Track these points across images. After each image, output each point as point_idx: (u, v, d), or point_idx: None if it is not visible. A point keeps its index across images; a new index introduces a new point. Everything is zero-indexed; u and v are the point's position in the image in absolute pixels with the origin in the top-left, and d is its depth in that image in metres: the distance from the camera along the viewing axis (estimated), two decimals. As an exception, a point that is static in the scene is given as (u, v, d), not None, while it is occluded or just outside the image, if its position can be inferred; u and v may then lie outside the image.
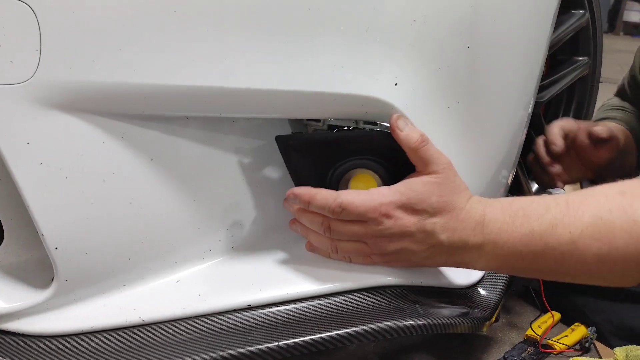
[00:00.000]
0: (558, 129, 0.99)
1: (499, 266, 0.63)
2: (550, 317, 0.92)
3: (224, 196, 0.65)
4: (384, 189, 0.61)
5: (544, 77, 1.12)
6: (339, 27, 0.57)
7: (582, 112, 1.21)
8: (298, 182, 0.67)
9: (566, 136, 0.99)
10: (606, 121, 1.16)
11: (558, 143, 0.96)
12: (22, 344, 0.57)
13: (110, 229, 0.59)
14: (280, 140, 0.65)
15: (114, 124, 0.57)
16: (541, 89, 1.08)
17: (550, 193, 0.85)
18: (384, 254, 0.63)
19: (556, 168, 0.99)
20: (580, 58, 1.17)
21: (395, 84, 0.59)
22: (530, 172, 1.07)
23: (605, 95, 1.30)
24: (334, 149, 0.65)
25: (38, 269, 0.62)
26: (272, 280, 0.65)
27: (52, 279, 0.59)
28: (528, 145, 1.11)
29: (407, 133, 0.61)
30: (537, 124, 1.10)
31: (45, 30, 0.52)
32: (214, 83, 0.55)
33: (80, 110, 0.55)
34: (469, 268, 0.65)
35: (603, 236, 0.56)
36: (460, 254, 0.62)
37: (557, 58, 1.17)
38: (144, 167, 0.59)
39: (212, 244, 0.66)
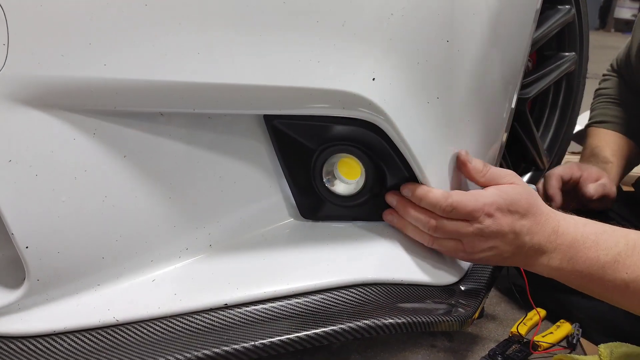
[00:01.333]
0: (556, 181, 1.02)
1: (559, 275, 0.68)
2: (536, 314, 0.91)
3: (201, 194, 0.64)
4: (484, 192, 0.67)
5: (530, 72, 1.12)
6: (314, 21, 0.56)
7: (569, 107, 1.21)
8: (284, 162, 0.68)
9: (564, 184, 1.03)
10: (602, 126, 1.17)
11: (557, 200, 1.01)
12: (-8, 345, 0.56)
13: (83, 228, 0.58)
14: (268, 119, 0.64)
15: (85, 120, 0.56)
16: (527, 84, 1.07)
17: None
18: (473, 252, 0.67)
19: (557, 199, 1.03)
20: (567, 54, 1.17)
21: (373, 79, 0.58)
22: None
23: (593, 92, 1.29)
24: (320, 132, 0.66)
25: (10, 269, 0.61)
26: (250, 279, 0.64)
27: (24, 279, 0.58)
28: (514, 140, 1.11)
29: (474, 165, 0.68)
30: (523, 120, 1.09)
31: (13, 24, 0.51)
32: (186, 78, 0.54)
33: (50, 105, 0.54)
34: (534, 271, 0.69)
35: None
36: (534, 257, 0.67)
37: (543, 53, 1.17)
38: (117, 163, 0.58)
39: (189, 242, 0.65)
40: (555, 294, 0.93)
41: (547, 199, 1.02)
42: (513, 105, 0.77)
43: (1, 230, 0.58)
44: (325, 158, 0.68)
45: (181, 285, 0.62)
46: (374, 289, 0.66)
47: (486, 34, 0.65)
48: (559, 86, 1.20)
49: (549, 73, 1.13)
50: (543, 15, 1.08)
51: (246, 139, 0.66)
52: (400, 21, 0.58)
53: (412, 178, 0.67)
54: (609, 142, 1.15)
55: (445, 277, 0.71)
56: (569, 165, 1.05)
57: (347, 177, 0.69)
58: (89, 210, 0.58)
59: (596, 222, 0.68)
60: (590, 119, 1.24)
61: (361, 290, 0.65)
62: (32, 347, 0.56)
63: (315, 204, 0.71)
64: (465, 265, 0.75)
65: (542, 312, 0.94)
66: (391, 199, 0.69)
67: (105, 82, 0.54)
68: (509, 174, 0.68)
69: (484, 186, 0.69)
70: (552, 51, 1.17)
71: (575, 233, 0.66)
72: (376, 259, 0.68)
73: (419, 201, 0.66)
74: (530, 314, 0.93)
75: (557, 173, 1.02)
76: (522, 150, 1.15)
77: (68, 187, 0.56)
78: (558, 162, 1.26)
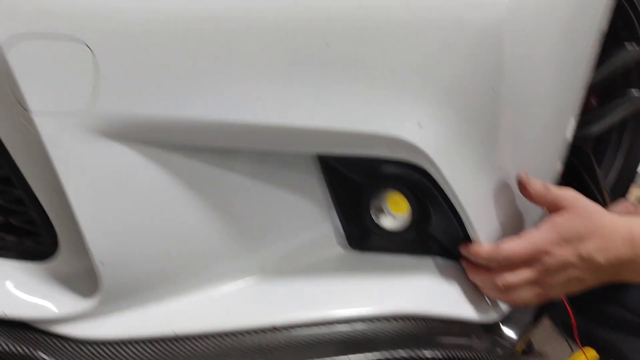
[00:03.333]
0: None
1: None
2: (583, 355, 0.91)
3: (255, 221, 0.70)
4: (534, 231, 0.67)
5: (593, 110, 1.11)
6: (365, 67, 0.60)
7: (634, 147, 1.19)
8: (334, 195, 0.72)
9: None
10: None
11: None
12: (68, 347, 0.64)
13: (150, 247, 0.65)
14: (322, 159, 0.69)
15: (156, 152, 0.63)
16: (589, 122, 1.07)
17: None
18: (552, 291, 0.68)
19: None
20: (634, 92, 1.15)
21: (420, 125, 0.62)
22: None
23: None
24: (369, 169, 0.70)
25: (87, 278, 0.69)
26: (297, 303, 0.68)
27: (97, 289, 0.65)
28: (576, 179, 1.10)
29: (535, 187, 0.68)
30: (585, 159, 1.09)
31: (102, 68, 0.59)
32: (250, 120, 0.60)
33: (128, 139, 0.61)
34: (631, 283, 0.69)
35: None
36: (619, 272, 0.67)
37: (609, 91, 1.16)
38: (183, 192, 0.65)
39: (243, 265, 0.70)
40: (608, 331, 0.92)
41: None
42: (566, 146, 0.78)
43: (82, 243, 0.65)
44: (373, 193, 0.72)
45: (234, 304, 0.68)
46: (415, 322, 0.69)
47: (535, 86, 0.68)
48: (624, 126, 1.19)
49: (613, 111, 1.12)
50: (608, 53, 1.08)
51: (300, 172, 0.71)
52: (447, 71, 0.62)
53: (456, 218, 0.69)
54: None
55: (486, 315, 0.73)
56: (622, 202, 1.03)
57: (395, 211, 0.73)
58: (157, 232, 0.64)
59: None
60: None
61: (402, 321, 0.68)
62: (100, 352, 0.63)
63: (363, 236, 0.75)
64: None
65: (591, 353, 0.93)
66: (463, 264, 0.72)
67: (175, 121, 0.60)
68: (569, 195, 0.68)
69: (548, 208, 0.69)
70: (618, 89, 1.15)
71: None
72: (419, 292, 0.72)
73: (476, 260, 0.68)
74: (577, 355, 0.92)
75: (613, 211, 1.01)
76: (583, 189, 1.14)
77: (139, 211, 0.63)
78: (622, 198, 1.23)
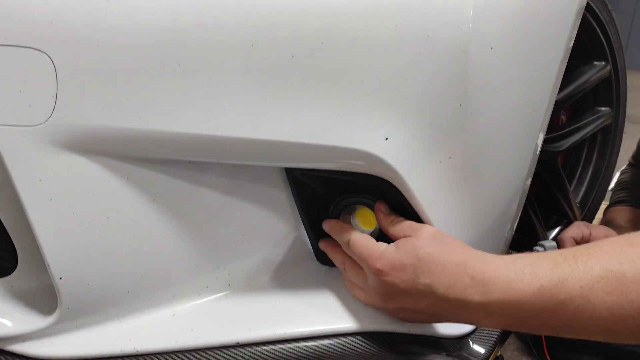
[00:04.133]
0: (570, 243, 1.00)
1: (510, 324, 0.61)
2: (553, 371, 0.91)
3: (222, 236, 0.68)
4: (384, 245, 0.64)
5: (563, 126, 1.12)
6: (332, 81, 0.60)
7: (604, 162, 1.21)
8: (302, 209, 0.72)
9: (578, 244, 1.01)
10: (617, 205, 1.20)
11: None
12: (24, 366, 0.62)
13: (112, 263, 0.63)
14: (289, 169, 0.69)
15: (119, 165, 0.61)
16: (559, 138, 1.08)
17: (542, 245, 0.85)
18: (395, 310, 0.65)
19: None
20: (602, 108, 1.17)
21: (386, 139, 0.62)
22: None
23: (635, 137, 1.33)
24: (337, 183, 0.70)
25: (44, 296, 0.67)
26: (263, 320, 0.67)
27: (57, 306, 0.63)
28: (545, 192, 1.11)
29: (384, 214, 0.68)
30: (555, 173, 1.10)
31: (61, 78, 0.57)
32: (211, 132, 0.59)
33: (89, 151, 0.60)
34: (480, 326, 0.64)
35: (615, 289, 0.55)
36: (464, 313, 0.61)
37: (578, 107, 1.17)
38: (146, 206, 0.63)
39: (209, 281, 0.69)
40: (576, 353, 0.92)
41: None
42: (530, 163, 0.78)
43: (41, 259, 0.64)
44: (342, 208, 0.72)
45: (199, 321, 0.66)
46: (380, 338, 0.68)
47: (501, 101, 0.68)
48: (594, 140, 1.20)
49: (582, 127, 1.13)
50: (577, 70, 1.10)
51: (268, 186, 0.70)
52: (414, 86, 0.62)
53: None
54: (622, 214, 1.17)
55: (452, 330, 0.73)
56: (577, 224, 1.04)
57: (363, 226, 0.73)
58: (118, 247, 0.63)
59: (527, 253, 0.62)
60: (607, 207, 1.28)
61: (368, 338, 0.67)
62: (58, 370, 0.61)
63: (331, 251, 0.74)
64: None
65: (561, 369, 0.93)
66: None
67: (138, 133, 0.59)
68: (420, 227, 0.64)
69: (395, 238, 0.66)
70: (586, 105, 1.17)
71: (507, 274, 0.58)
72: (387, 307, 0.71)
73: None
74: (547, 371, 0.92)
75: (569, 235, 1.01)
76: (553, 203, 1.15)
77: (100, 226, 0.61)
78: (592, 215, 1.25)
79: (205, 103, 0.59)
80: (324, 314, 0.69)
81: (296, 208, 0.72)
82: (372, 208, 0.71)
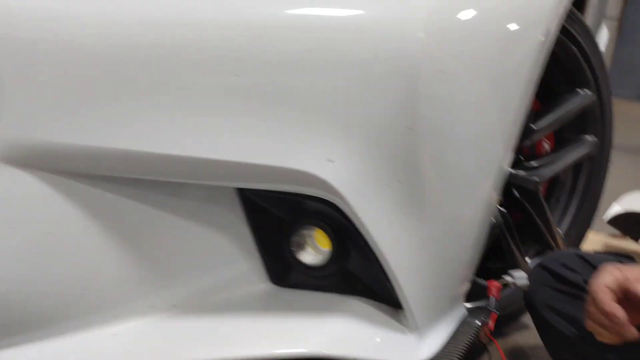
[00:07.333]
0: (606, 294, 0.75)
1: None
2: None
3: (168, 255, 0.68)
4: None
5: (545, 154, 1.10)
6: (275, 101, 0.59)
7: (589, 192, 1.18)
8: (254, 230, 0.71)
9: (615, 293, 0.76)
10: None
11: (620, 314, 0.74)
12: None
13: (51, 280, 0.62)
14: (239, 188, 0.68)
15: (60, 180, 0.61)
16: (541, 166, 1.06)
17: (511, 275, 0.83)
18: None
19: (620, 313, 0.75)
20: (588, 137, 1.15)
21: (330, 161, 0.61)
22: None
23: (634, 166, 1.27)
24: (288, 205, 0.69)
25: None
26: (206, 342, 0.66)
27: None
28: (528, 221, 1.08)
29: None
30: (537, 202, 1.07)
31: (4, 96, 0.58)
32: (150, 149, 0.59)
33: (30, 166, 0.60)
34: None
35: None
36: None
37: (562, 136, 1.15)
38: (88, 222, 0.63)
39: (153, 300, 0.68)
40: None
41: (606, 316, 0.75)
42: (497, 183, 0.76)
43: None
44: (294, 229, 0.70)
45: (139, 341, 0.65)
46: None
47: (455, 123, 0.67)
48: (579, 170, 1.18)
49: (565, 156, 1.11)
50: (560, 98, 1.08)
51: (219, 206, 0.69)
52: (359, 108, 0.61)
53: (374, 256, 0.67)
54: None
55: (409, 356, 0.70)
56: (607, 269, 0.76)
57: (315, 248, 0.71)
58: (58, 264, 0.62)
59: None
60: None
61: (315, 364, 0.66)
62: (-11, 387, 0.60)
63: (284, 272, 0.73)
64: (435, 346, 0.74)
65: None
66: None
67: (79, 149, 0.59)
68: None
69: None
70: (571, 134, 1.15)
71: None
72: (337, 333, 0.69)
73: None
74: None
75: (602, 283, 0.75)
76: (535, 233, 1.13)
77: (40, 242, 0.61)
78: (577, 244, 1.22)
79: (143, 120, 0.58)
80: (271, 337, 0.67)
81: (248, 228, 0.71)
82: (324, 230, 0.69)
